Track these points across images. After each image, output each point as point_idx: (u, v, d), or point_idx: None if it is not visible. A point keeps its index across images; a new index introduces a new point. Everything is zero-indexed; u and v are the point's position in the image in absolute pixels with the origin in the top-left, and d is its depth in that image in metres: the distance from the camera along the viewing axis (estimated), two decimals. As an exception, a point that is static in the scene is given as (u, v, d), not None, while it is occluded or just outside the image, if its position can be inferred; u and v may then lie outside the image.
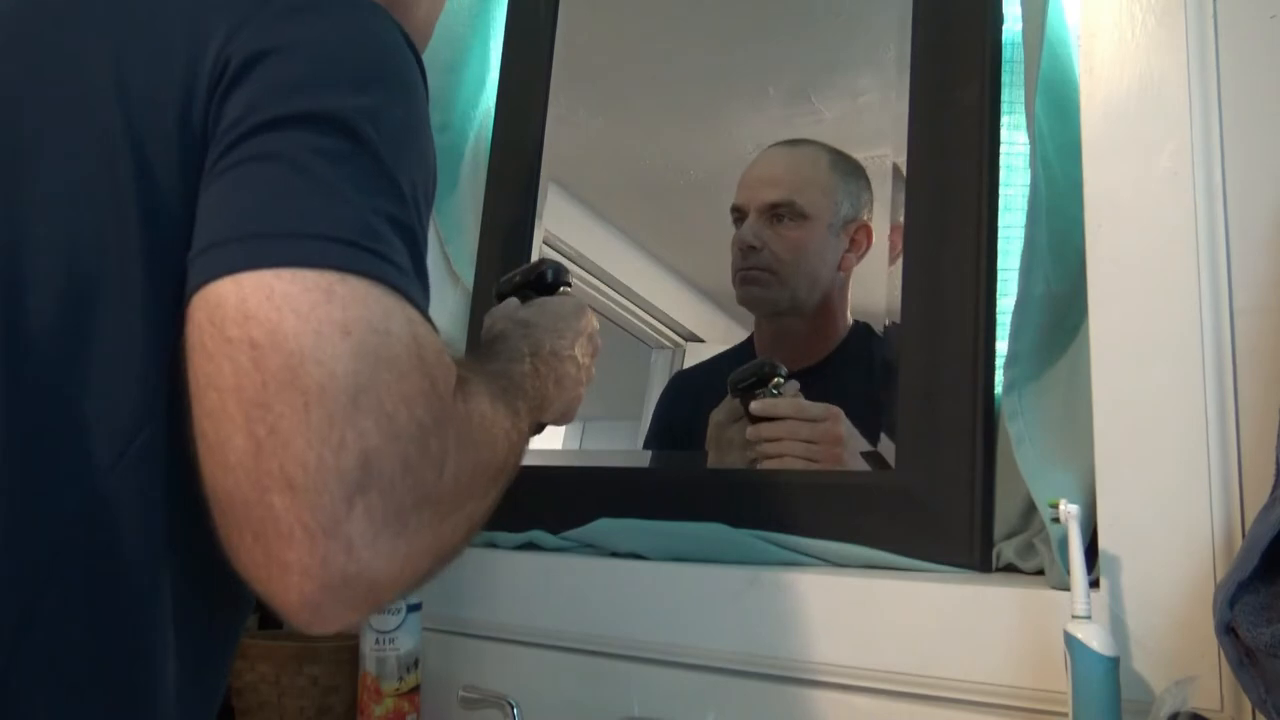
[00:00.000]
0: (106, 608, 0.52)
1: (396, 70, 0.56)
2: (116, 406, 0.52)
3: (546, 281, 0.84)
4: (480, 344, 0.78)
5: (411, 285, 0.50)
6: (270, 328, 0.45)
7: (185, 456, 0.49)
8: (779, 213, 1.02)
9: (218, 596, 0.58)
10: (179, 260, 0.51)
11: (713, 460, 0.99)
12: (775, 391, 0.94)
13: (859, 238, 0.99)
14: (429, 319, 0.52)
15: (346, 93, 0.52)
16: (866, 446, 0.90)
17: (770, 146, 1.05)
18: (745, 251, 1.02)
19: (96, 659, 0.52)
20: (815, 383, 0.95)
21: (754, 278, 1.01)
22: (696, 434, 1.01)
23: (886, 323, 0.91)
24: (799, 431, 0.93)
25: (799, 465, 0.92)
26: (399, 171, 0.52)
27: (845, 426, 0.92)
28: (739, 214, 1.04)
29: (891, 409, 0.86)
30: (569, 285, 0.86)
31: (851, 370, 0.96)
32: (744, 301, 1.02)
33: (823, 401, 0.93)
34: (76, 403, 0.51)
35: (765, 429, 0.94)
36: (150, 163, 0.52)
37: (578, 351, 0.78)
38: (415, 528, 0.48)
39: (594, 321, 0.83)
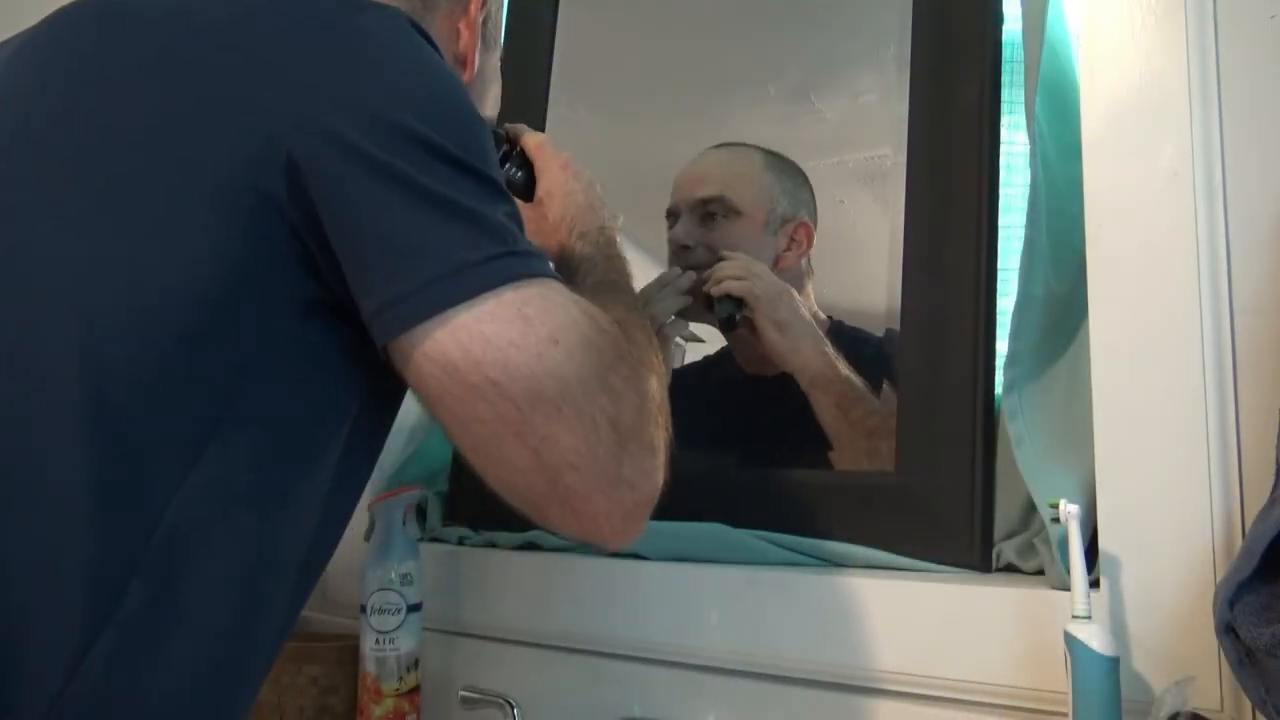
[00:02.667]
0: (177, 608, 0.55)
1: (454, 86, 0.61)
2: (179, 432, 0.55)
3: (522, 181, 0.87)
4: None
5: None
6: (501, 365, 0.54)
7: (243, 474, 0.56)
8: (710, 210, 1.01)
9: (279, 599, 0.62)
10: (241, 293, 0.56)
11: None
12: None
13: (798, 236, 0.99)
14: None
15: (429, 119, 0.57)
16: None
17: (705, 150, 1.05)
18: (678, 252, 1.01)
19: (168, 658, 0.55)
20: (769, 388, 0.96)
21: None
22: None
23: (886, 324, 0.91)
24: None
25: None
26: (491, 169, 0.59)
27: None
28: (673, 218, 1.04)
29: (884, 401, 0.86)
30: (526, 160, 0.87)
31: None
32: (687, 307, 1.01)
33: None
34: (144, 425, 0.54)
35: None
36: (221, 207, 0.56)
37: (594, 201, 0.84)
38: (658, 441, 0.60)
39: (576, 171, 0.86)
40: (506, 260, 0.56)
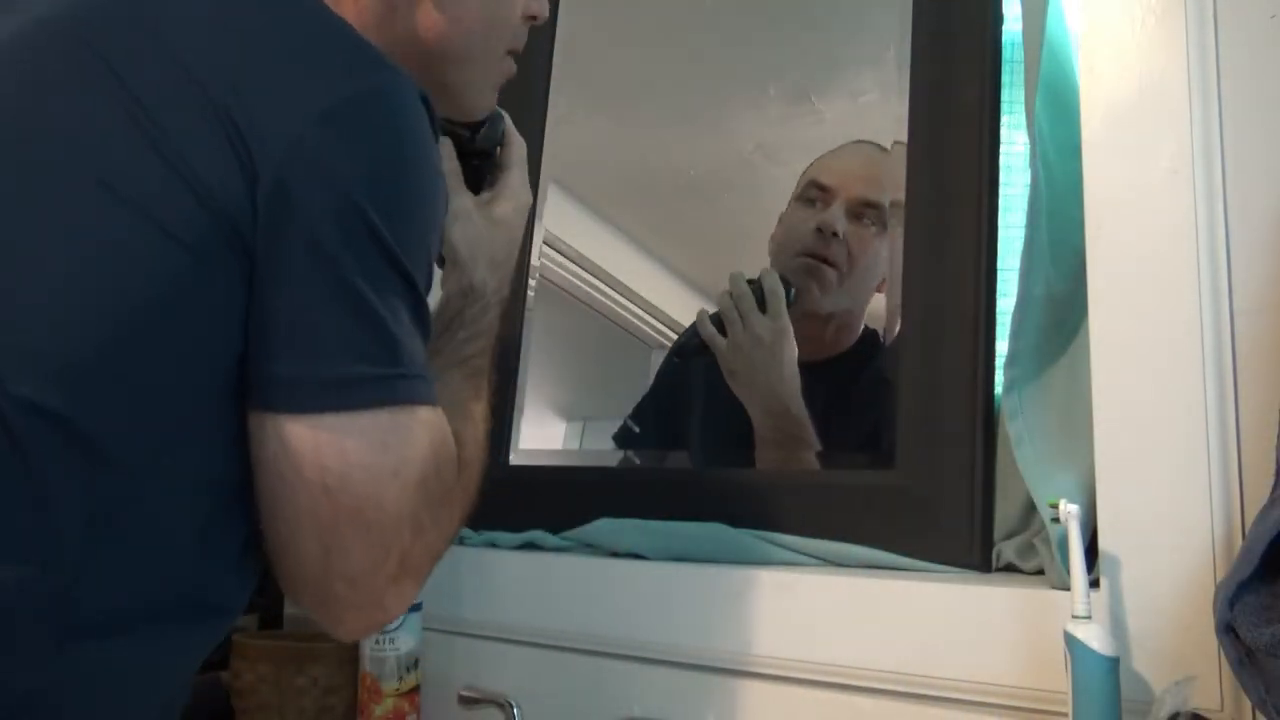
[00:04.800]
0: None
1: (426, 182, 0.62)
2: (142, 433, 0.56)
3: (486, 150, 0.82)
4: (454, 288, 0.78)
5: (429, 386, 0.61)
6: (340, 477, 0.57)
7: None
8: (863, 213, 0.97)
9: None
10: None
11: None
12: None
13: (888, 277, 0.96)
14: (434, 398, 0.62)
15: (387, 210, 0.58)
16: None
17: (861, 142, 1.00)
18: (825, 237, 0.97)
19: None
20: (818, 380, 0.95)
21: (819, 270, 0.97)
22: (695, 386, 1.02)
23: (887, 323, 0.91)
24: None
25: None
26: (415, 265, 0.60)
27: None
28: (822, 192, 0.99)
29: (891, 411, 0.86)
30: (500, 137, 0.83)
31: (854, 371, 0.95)
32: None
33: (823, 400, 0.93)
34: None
35: None
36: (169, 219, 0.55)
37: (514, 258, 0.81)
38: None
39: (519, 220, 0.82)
40: (391, 383, 0.58)
